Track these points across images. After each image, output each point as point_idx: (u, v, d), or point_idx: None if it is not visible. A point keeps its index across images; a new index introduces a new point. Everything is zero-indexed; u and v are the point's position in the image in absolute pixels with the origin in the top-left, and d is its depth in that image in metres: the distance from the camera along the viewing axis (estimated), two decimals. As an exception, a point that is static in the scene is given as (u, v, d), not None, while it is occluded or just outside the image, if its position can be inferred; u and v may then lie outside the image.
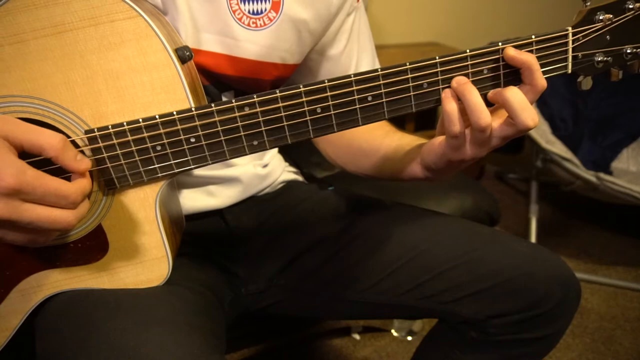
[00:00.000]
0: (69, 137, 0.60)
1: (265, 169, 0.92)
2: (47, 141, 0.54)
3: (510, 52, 0.62)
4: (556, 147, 1.81)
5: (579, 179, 1.78)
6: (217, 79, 0.77)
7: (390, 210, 0.90)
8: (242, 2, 0.73)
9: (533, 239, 1.95)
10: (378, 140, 0.85)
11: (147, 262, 0.67)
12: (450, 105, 0.63)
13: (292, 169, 1.04)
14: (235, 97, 0.80)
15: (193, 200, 0.83)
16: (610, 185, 1.71)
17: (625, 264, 1.96)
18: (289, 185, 0.98)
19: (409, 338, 1.57)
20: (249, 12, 0.74)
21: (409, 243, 0.83)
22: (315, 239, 0.88)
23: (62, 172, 0.56)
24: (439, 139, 0.68)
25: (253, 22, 0.75)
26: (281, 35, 0.77)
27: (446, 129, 0.64)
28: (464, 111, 0.63)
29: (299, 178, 1.02)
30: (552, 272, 0.79)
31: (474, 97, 0.61)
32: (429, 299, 0.82)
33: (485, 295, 0.79)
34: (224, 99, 0.80)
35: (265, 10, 0.75)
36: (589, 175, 1.76)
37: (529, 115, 0.60)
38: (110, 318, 0.61)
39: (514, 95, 0.61)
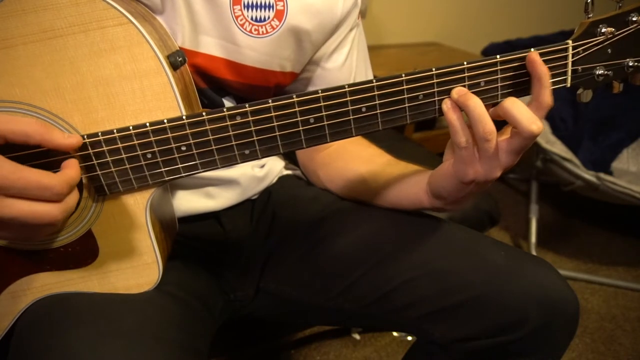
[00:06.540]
0: None
1: (262, 170, 0.92)
2: (30, 127, 0.52)
3: (534, 56, 0.60)
4: (556, 147, 1.80)
5: (579, 179, 1.77)
6: (215, 83, 0.76)
7: (364, 211, 0.83)
8: (246, 9, 0.72)
9: (533, 239, 1.94)
10: (379, 167, 0.81)
11: (137, 267, 0.67)
12: (453, 116, 0.62)
13: (291, 166, 1.03)
14: (235, 102, 0.79)
15: (190, 202, 0.82)
16: (610, 186, 1.71)
17: (625, 264, 1.96)
18: (281, 181, 0.97)
19: (409, 338, 1.56)
20: (252, 19, 0.73)
21: (373, 247, 0.78)
22: (283, 239, 0.87)
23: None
24: (449, 161, 0.66)
25: (255, 29, 0.74)
26: (282, 43, 0.76)
27: (453, 141, 0.63)
28: (468, 125, 0.62)
29: (290, 172, 1.00)
30: (531, 290, 0.69)
31: (477, 106, 0.60)
32: (398, 312, 0.76)
33: (450, 313, 0.71)
34: (227, 104, 0.79)
35: (269, 18, 0.74)
36: (589, 175, 1.75)
37: (531, 120, 0.58)
38: (75, 327, 0.60)
39: (513, 103, 0.60)
